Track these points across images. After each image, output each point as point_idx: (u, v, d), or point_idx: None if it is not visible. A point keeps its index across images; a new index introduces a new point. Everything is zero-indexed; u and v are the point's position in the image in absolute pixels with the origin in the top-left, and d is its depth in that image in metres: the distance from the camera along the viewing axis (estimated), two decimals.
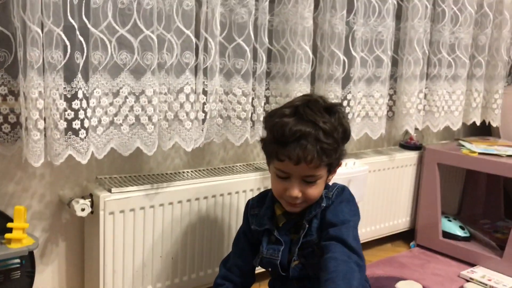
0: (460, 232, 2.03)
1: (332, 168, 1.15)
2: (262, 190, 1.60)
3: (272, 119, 1.11)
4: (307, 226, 1.15)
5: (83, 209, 1.26)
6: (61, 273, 1.38)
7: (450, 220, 2.08)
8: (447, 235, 2.03)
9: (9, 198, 1.26)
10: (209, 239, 1.51)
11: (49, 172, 1.32)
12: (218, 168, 1.61)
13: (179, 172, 1.51)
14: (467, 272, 1.83)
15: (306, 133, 1.05)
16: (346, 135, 1.13)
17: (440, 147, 2.08)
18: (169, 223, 1.41)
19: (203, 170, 1.56)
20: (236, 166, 1.65)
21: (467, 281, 1.78)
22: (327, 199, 1.16)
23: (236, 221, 1.56)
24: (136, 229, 1.34)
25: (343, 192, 1.19)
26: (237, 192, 1.55)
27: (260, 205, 1.25)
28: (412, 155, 2.09)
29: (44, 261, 1.35)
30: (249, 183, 1.57)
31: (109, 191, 1.29)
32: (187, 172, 1.52)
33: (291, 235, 1.19)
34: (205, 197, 1.47)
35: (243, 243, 1.27)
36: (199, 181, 1.46)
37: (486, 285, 1.73)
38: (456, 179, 2.35)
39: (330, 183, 1.21)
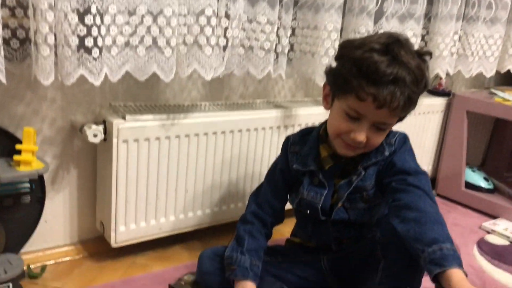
0: (484, 184, 1.96)
1: (402, 119, 1.07)
2: (282, 128, 1.53)
3: (359, 52, 0.98)
4: (363, 172, 1.08)
5: (95, 135, 1.20)
6: (72, 200, 1.35)
7: (474, 171, 2.01)
8: (470, 186, 1.96)
9: (19, 120, 1.20)
10: (226, 175, 1.46)
11: (60, 96, 1.25)
12: (237, 103, 1.53)
13: (196, 105, 1.44)
14: (489, 224, 1.77)
15: (400, 78, 0.95)
16: (426, 87, 1.03)
17: (470, 94, 1.97)
18: (184, 156, 1.35)
19: (221, 104, 1.49)
20: (256, 102, 1.57)
21: (488, 233, 1.73)
22: (389, 146, 1.09)
23: (253, 159, 1.50)
24: (150, 160, 1.29)
25: (405, 141, 1.12)
26: (256, 129, 1.47)
27: (301, 143, 1.17)
28: (440, 102, 1.99)
29: (55, 188, 1.31)
30: (270, 120, 1.49)
31: (123, 118, 1.23)
32: (205, 104, 1.45)
33: (335, 179, 1.12)
34: (223, 132, 1.40)
35: (278, 180, 1.21)
36: (217, 115, 1.39)
37: (509, 237, 1.68)
38: (482, 130, 2.25)
39: None
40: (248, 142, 1.47)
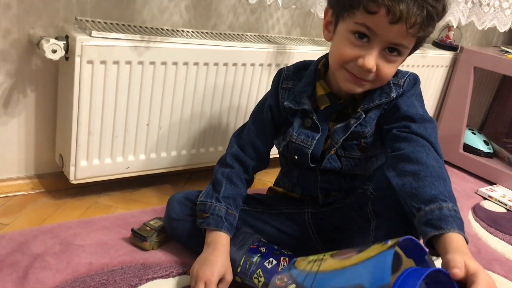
0: (483, 147, 1.83)
1: (417, 46, 0.90)
2: (274, 67, 1.36)
3: None
4: (364, 116, 0.93)
5: (54, 51, 1.02)
6: (28, 127, 1.18)
7: (474, 133, 1.88)
8: (468, 148, 1.84)
9: None
10: (206, 114, 1.30)
11: (16, 2, 1.05)
12: (225, 34, 1.35)
13: (177, 30, 1.25)
14: (486, 189, 1.65)
15: None
16: (444, 11, 0.86)
17: (479, 49, 1.81)
18: (160, 87, 1.18)
19: (206, 33, 1.30)
20: (246, 35, 1.39)
21: (485, 199, 1.61)
22: (397, 88, 0.93)
23: (239, 98, 1.34)
24: (119, 87, 1.11)
25: (416, 82, 0.96)
26: (244, 64, 1.30)
27: (296, 79, 1.01)
28: (446, 55, 1.83)
29: (8, 112, 1.14)
30: (260, 55, 1.32)
31: (90, 35, 1.04)
32: (187, 31, 1.26)
33: (330, 123, 0.97)
34: (206, 64, 1.23)
35: (265, 119, 1.05)
36: (200, 43, 1.21)
37: (506, 205, 1.56)
38: (485, 91, 2.11)
39: None
40: (234, 79, 1.30)
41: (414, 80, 0.96)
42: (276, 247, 0.98)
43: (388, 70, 0.87)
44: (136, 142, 1.20)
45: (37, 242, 1.00)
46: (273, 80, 1.05)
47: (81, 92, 1.07)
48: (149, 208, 1.21)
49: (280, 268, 0.92)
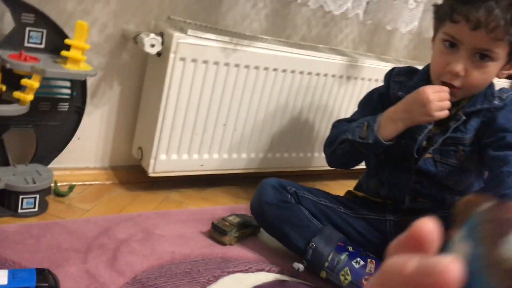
0: None
1: None
2: (345, 79, 1.39)
3: None
4: (464, 119, 0.94)
5: (152, 45, 1.06)
6: (110, 118, 1.21)
7: None
8: None
9: (68, 17, 1.06)
10: (277, 120, 1.32)
11: None
12: (299, 44, 1.38)
13: (257, 36, 1.29)
14: None
15: None
16: None
17: None
18: (240, 90, 1.21)
19: (282, 41, 1.34)
20: (318, 46, 1.43)
21: None
22: (500, 100, 0.95)
23: (308, 107, 1.36)
24: (204, 86, 1.15)
25: None
26: (317, 74, 1.33)
27: (407, 76, 1.06)
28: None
29: (94, 102, 1.18)
30: (333, 67, 1.35)
31: (185, 33, 1.09)
32: (266, 39, 1.30)
33: (432, 125, 0.98)
34: (284, 70, 1.26)
35: (376, 104, 1.08)
36: (282, 49, 1.24)
37: None
38: None
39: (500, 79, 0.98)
40: (307, 87, 1.33)
41: None
42: (361, 248, 0.99)
43: (479, 76, 0.89)
44: (213, 141, 1.23)
45: (120, 229, 1.02)
46: (385, 76, 1.11)
47: (171, 87, 1.10)
48: (219, 207, 1.23)
49: (367, 269, 0.92)
